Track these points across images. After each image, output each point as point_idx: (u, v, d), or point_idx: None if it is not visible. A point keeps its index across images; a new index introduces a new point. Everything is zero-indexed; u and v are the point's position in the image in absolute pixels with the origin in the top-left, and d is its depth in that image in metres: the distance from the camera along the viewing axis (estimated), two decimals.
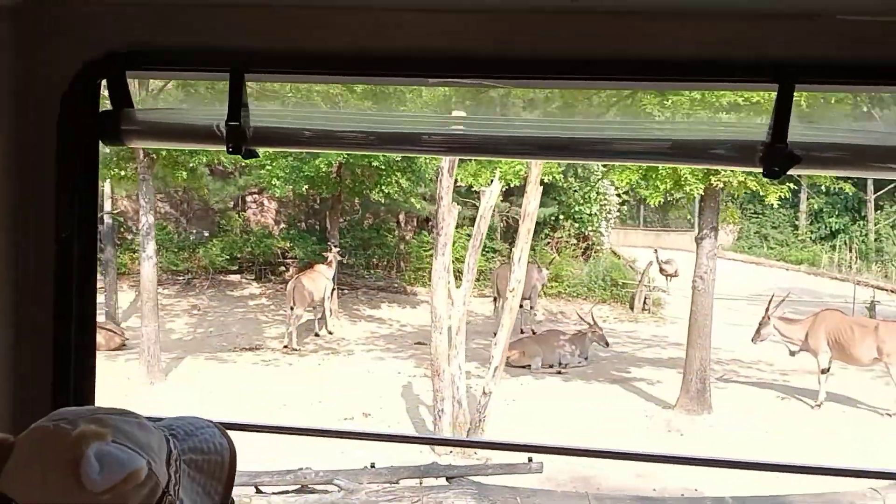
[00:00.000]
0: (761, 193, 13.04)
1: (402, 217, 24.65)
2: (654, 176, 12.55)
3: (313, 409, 13.69)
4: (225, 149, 1.41)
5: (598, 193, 23.17)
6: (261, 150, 1.50)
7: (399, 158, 18.84)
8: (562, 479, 10.86)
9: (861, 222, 31.08)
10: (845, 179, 13.39)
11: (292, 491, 9.49)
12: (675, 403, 13.54)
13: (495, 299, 19.71)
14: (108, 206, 19.42)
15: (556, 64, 1.35)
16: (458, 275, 12.18)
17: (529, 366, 16.39)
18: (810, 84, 1.31)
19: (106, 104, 1.48)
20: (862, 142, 1.32)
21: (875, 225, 30.55)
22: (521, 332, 20.14)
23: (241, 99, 1.39)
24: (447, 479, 9.57)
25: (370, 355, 17.79)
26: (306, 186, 18.96)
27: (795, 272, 29.67)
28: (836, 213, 31.50)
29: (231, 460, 0.98)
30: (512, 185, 13.68)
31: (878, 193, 30.08)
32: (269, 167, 18.18)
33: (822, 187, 28.62)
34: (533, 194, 11.28)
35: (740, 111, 11.12)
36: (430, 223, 24.75)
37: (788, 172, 1.29)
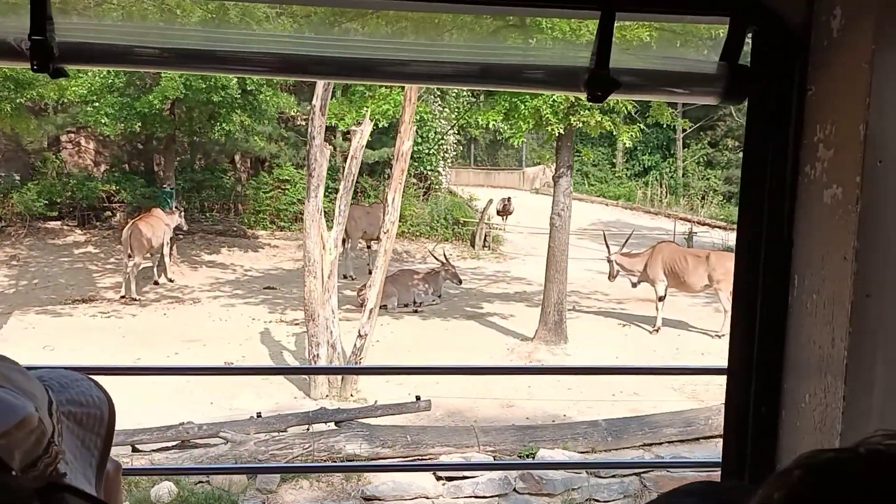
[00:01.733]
0: (614, 133, 13.67)
1: (237, 157, 23.56)
2: (515, 115, 12.78)
3: (171, 361, 12.98)
4: (29, 66, 1.28)
5: (436, 133, 23.29)
6: (70, 69, 1.39)
7: (238, 95, 17.94)
8: (438, 414, 11.08)
9: (671, 159, 33.51)
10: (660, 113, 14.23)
11: (173, 447, 9.05)
12: (533, 336, 14.13)
13: (344, 241, 19.43)
14: None
15: None
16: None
17: (386, 306, 16.41)
18: (630, 12, 1.39)
19: None
20: (674, 68, 1.42)
21: (683, 162, 33.08)
22: (370, 272, 20.11)
23: (45, 11, 1.25)
24: (336, 423, 9.49)
25: (218, 302, 17.09)
26: (139, 124, 17.58)
27: (614, 207, 31.59)
28: (649, 150, 33.72)
29: (110, 414, 0.94)
30: (380, 125, 13.43)
31: (686, 132, 32.49)
32: (97, 104, 16.67)
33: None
34: (407, 134, 11.16)
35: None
36: (267, 163, 23.89)
37: (609, 97, 1.36)
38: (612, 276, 16.02)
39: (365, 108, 12.01)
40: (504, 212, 24.42)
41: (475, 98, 13.67)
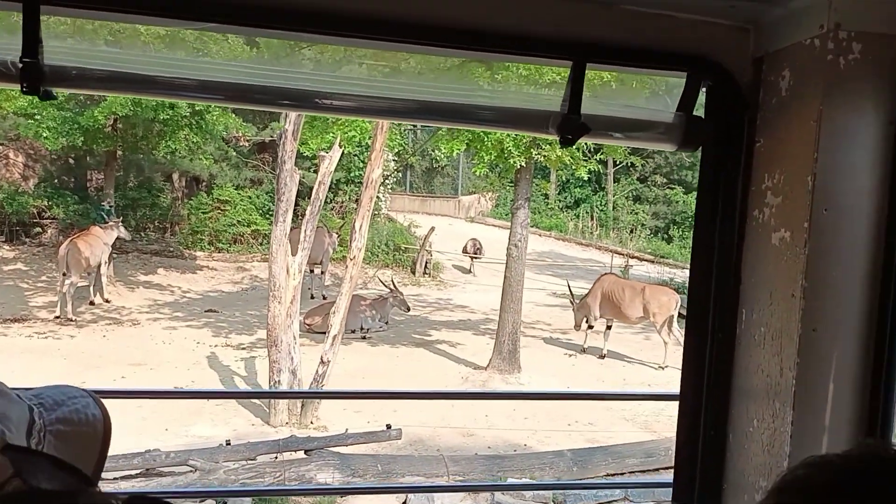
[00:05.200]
0: (573, 167, 14.04)
1: (175, 176, 23.01)
2: (479, 147, 12.99)
3: (118, 386, 12.53)
4: (19, 88, 1.29)
5: (385, 159, 23.30)
6: (58, 91, 1.40)
7: (187, 114, 17.61)
8: (400, 442, 11.01)
9: (601, 193, 34.41)
10: (613, 150, 14.75)
11: (137, 475, 8.74)
12: (486, 364, 14.25)
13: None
14: None
15: (368, 24, 1.38)
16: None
17: None
18: (599, 63, 1.50)
19: None
20: (637, 116, 1.57)
21: (613, 196, 34.00)
22: (312, 297, 19.89)
23: (37, 34, 1.26)
24: (305, 451, 9.36)
25: (159, 325, 16.60)
26: (80, 139, 17.01)
27: (547, 238, 32.18)
28: (580, 184, 34.52)
29: (105, 432, 0.92)
30: (346, 152, 13.37)
31: (616, 167, 33.46)
32: (38, 116, 16.09)
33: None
34: (377, 162, 11.20)
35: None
36: (205, 183, 23.41)
37: (579, 140, 1.47)
38: (577, 326, 16.26)
39: (332, 134, 11.99)
40: (473, 253, 24.65)
41: (437, 127, 13.84)
